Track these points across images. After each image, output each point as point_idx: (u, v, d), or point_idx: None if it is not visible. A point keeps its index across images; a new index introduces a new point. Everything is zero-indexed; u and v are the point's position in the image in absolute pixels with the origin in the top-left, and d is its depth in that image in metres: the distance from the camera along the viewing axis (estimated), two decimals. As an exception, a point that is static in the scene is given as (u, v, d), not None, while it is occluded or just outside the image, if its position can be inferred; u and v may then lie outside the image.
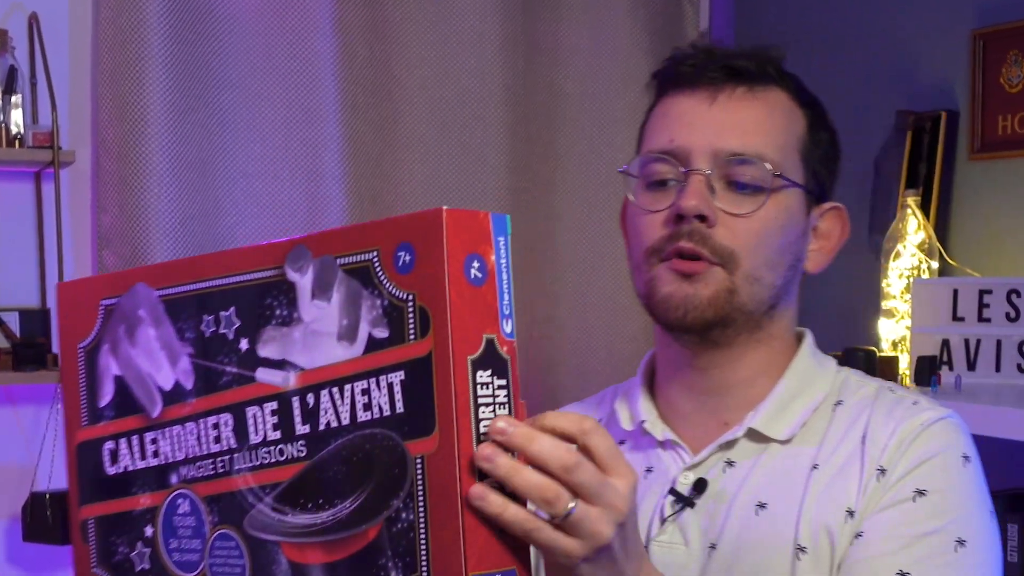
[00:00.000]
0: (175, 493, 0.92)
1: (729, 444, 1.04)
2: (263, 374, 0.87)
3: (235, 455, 0.89)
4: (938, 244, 1.99)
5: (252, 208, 2.15)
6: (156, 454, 0.94)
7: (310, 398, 0.85)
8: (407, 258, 0.78)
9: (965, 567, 0.96)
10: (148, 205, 2.02)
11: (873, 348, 1.98)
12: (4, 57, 1.99)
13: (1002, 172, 1.97)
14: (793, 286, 1.06)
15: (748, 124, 1.01)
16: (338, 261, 0.82)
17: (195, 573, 0.91)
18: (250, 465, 0.88)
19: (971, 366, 1.86)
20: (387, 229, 0.79)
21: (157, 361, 0.93)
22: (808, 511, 0.99)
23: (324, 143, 2.20)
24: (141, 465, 0.95)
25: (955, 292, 1.87)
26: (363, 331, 0.82)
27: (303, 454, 0.85)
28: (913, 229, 1.98)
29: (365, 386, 0.82)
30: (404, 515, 0.80)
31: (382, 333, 0.80)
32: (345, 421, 0.83)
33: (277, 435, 0.87)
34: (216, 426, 0.91)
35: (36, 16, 2.02)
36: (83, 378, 0.98)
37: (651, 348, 1.14)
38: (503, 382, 0.78)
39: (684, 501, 1.03)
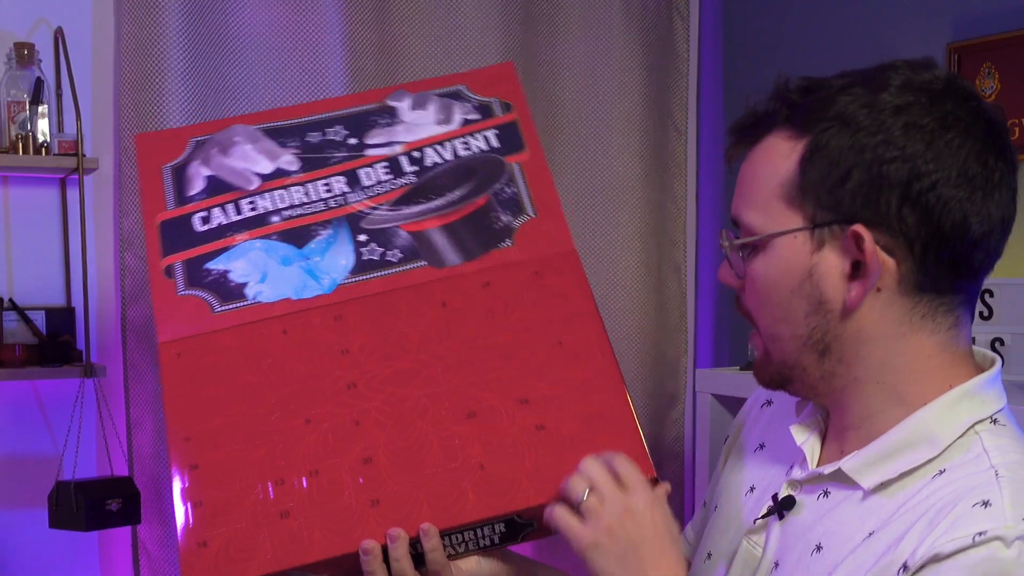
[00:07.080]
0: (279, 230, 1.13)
1: (826, 477, 0.98)
2: (372, 150, 1.19)
3: (348, 195, 1.15)
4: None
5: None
6: (254, 209, 1.14)
7: (416, 153, 1.19)
8: (488, 82, 1.23)
9: None
10: (167, 210, 2.08)
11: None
12: (31, 69, 2.01)
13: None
14: (837, 331, 0.94)
15: (741, 188, 0.99)
16: (431, 92, 1.22)
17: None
18: (365, 196, 1.16)
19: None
20: (469, 75, 1.25)
21: (254, 159, 1.14)
22: (842, 570, 0.92)
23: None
24: (235, 219, 1.14)
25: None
26: (457, 117, 1.21)
27: (413, 180, 1.17)
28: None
29: (464, 140, 1.19)
30: (508, 189, 1.16)
31: (474, 116, 1.21)
32: (448, 158, 1.18)
33: (389, 176, 1.17)
34: (327, 183, 1.15)
35: (61, 31, 2.05)
36: (168, 182, 1.15)
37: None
38: None
39: (773, 510, 1.01)
